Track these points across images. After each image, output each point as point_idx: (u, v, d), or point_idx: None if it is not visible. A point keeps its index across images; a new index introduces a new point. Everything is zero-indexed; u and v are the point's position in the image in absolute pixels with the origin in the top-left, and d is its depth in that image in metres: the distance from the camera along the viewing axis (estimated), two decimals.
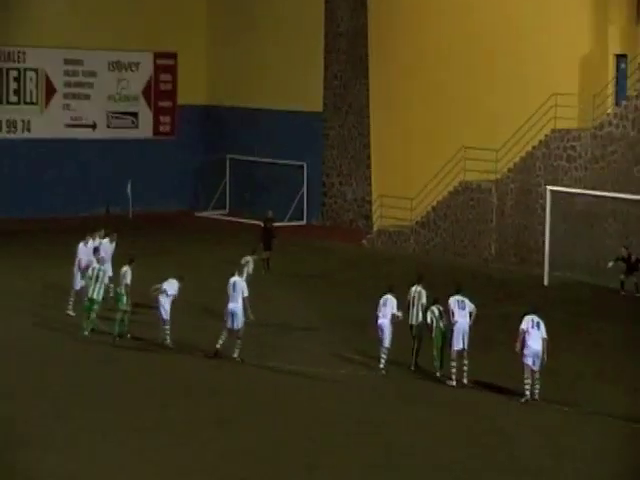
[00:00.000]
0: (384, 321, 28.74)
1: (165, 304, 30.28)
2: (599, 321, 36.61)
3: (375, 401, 27.97)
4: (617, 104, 44.60)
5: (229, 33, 59.24)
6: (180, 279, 31.13)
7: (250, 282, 32.05)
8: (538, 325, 27.17)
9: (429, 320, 28.92)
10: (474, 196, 47.03)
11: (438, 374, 28.20)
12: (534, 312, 27.46)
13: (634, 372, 30.51)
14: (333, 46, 55.68)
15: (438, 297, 29.43)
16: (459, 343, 28.16)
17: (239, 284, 29.66)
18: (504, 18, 49.43)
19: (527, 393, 26.77)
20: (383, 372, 28.81)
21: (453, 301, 28.72)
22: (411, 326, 29.48)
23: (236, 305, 29.09)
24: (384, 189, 52.03)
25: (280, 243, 43.92)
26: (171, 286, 30.72)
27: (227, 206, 56.83)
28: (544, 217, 41.99)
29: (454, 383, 27.94)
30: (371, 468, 22.10)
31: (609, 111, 44.28)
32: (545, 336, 26.94)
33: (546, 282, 40.99)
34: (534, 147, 45.25)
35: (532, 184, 44.64)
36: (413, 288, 29.74)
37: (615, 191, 41.21)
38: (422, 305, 29.58)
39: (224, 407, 26.12)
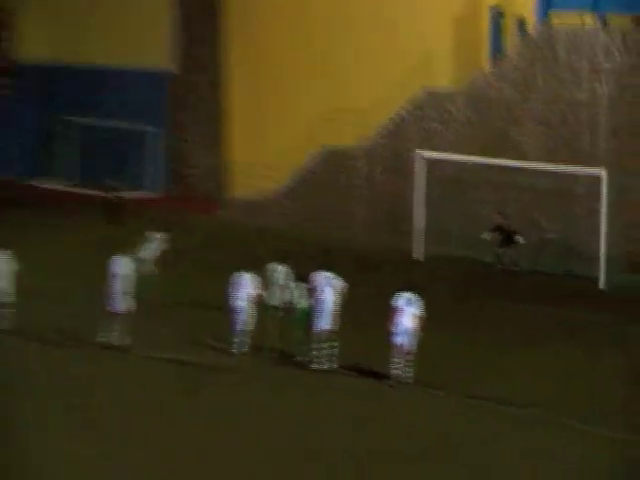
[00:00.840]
0: (239, 303, 27.08)
1: None
2: (476, 299, 35.28)
3: (239, 389, 25.87)
4: (493, 61, 43.82)
5: None
6: None
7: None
8: (410, 302, 25.65)
9: (291, 299, 27.77)
10: (341, 162, 45.21)
11: (300, 358, 26.98)
12: (408, 289, 26.17)
13: (512, 354, 29.60)
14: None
15: (302, 274, 28.04)
16: (325, 323, 26.40)
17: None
18: None
19: (397, 374, 25.51)
20: (236, 356, 27.09)
21: (320, 278, 27.14)
22: (272, 307, 27.83)
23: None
24: (242, 155, 50.00)
25: (126, 217, 43.40)
26: None
27: (64, 174, 53.46)
28: (418, 186, 40.91)
29: (319, 366, 26.60)
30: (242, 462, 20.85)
31: (484, 70, 43.51)
32: (419, 314, 25.60)
33: (420, 256, 39.80)
34: (405, 109, 43.71)
35: (404, 149, 42.54)
36: (273, 266, 28.27)
37: (492, 156, 39.51)
38: (284, 284, 28.30)
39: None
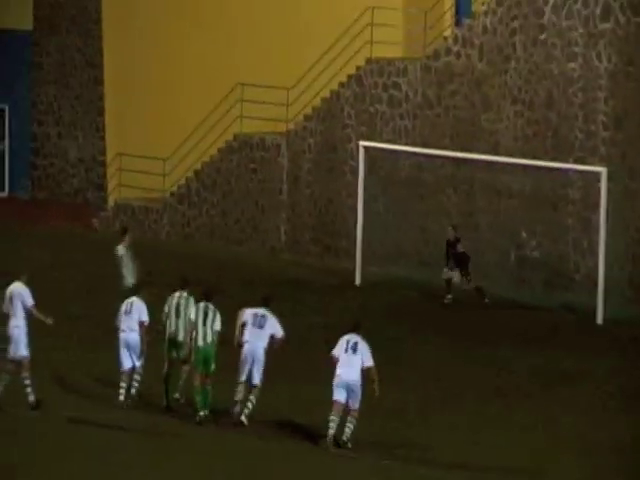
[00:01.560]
0: (131, 335, 21.91)
1: None
2: (426, 336, 29.75)
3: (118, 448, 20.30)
4: (457, 24, 36.79)
5: None
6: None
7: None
8: (355, 348, 20.66)
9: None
10: (256, 155, 38.66)
11: (202, 414, 21.24)
12: (354, 329, 20.83)
13: (461, 405, 23.75)
14: None
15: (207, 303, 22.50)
16: (244, 374, 21.17)
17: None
18: None
19: (330, 433, 20.58)
20: (125, 405, 21.27)
21: (249, 314, 21.44)
22: (174, 342, 22.11)
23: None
24: (124, 145, 42.80)
25: None
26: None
27: None
28: (356, 186, 33.79)
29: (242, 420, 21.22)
30: None
31: (446, 33, 36.39)
32: (369, 363, 20.61)
33: (358, 281, 33.33)
34: (341, 84, 36.59)
35: (339, 138, 36.27)
36: (177, 294, 22.46)
37: (456, 149, 33.24)
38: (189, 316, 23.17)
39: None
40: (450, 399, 24.99)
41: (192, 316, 22.34)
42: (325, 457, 21.63)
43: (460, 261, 32.91)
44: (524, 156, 33.34)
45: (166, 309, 22.71)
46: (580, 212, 33.31)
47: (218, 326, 21.09)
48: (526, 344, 29.68)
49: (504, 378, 26.94)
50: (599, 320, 30.80)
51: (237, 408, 21.46)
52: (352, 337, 21.07)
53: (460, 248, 33.07)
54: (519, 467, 20.73)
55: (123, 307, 22.30)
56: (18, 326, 21.66)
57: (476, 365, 28.43)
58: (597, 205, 31.80)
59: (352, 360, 20.97)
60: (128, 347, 21.99)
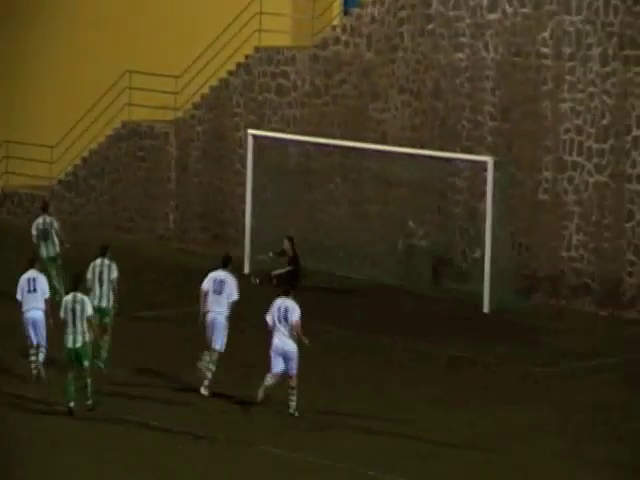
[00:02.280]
0: (36, 312, 21.89)
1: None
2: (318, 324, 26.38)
3: None
4: (346, 13, 36.17)
5: None
6: None
7: None
8: (285, 317, 21.25)
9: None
10: (144, 143, 37.67)
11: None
12: (285, 294, 21.45)
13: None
14: None
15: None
16: (209, 342, 22.35)
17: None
18: None
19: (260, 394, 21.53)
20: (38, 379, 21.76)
21: (210, 280, 21.97)
22: (99, 309, 22.20)
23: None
24: (11, 133, 40.36)
25: None
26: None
27: None
28: (244, 174, 33.13)
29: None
30: None
31: (335, 22, 35.92)
32: (294, 319, 21.18)
33: (246, 269, 32.13)
34: (230, 73, 35.79)
35: (227, 126, 35.72)
36: (98, 261, 23.12)
37: (345, 138, 32.69)
38: (112, 282, 23.73)
39: None
40: (343, 385, 24.31)
41: (114, 275, 23.08)
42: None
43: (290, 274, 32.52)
44: (412, 145, 32.76)
45: (89, 276, 22.37)
46: (468, 201, 32.71)
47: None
48: (414, 332, 28.86)
49: (391, 364, 26.69)
50: (485, 309, 30.31)
51: (202, 376, 21.52)
52: (282, 303, 21.08)
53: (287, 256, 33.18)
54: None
55: (25, 285, 21.82)
56: None
57: (362, 352, 28.33)
58: (484, 194, 31.73)
59: (284, 329, 21.33)
60: (34, 325, 21.58)
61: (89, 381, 21.16)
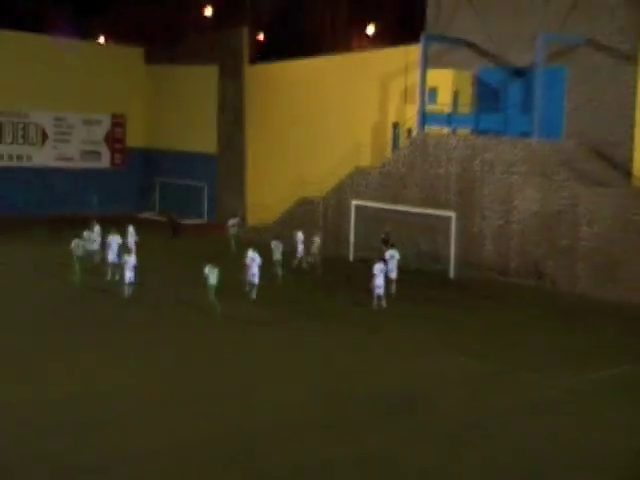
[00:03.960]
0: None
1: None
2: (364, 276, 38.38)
3: None
4: (393, 152, 52.10)
5: (159, 101, 64.85)
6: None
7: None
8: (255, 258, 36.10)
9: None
10: (309, 207, 53.75)
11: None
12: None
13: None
14: (222, 112, 61.69)
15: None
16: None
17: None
18: (329, 100, 57.44)
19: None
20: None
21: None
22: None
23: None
24: (254, 200, 60.33)
25: (183, 234, 52.53)
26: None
27: (156, 209, 62.31)
28: (350, 219, 48.58)
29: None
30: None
31: (388, 157, 51.67)
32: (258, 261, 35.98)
33: (350, 258, 46.52)
34: (345, 177, 52.21)
35: (343, 200, 51.03)
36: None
37: (392, 205, 47.88)
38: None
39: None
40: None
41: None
42: None
43: (386, 245, 42.45)
44: (421, 206, 46.41)
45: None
46: (445, 232, 45.33)
47: None
48: (404, 298, 38.88)
49: (371, 318, 35.83)
50: (447, 276, 44.25)
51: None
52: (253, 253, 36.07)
53: (386, 239, 43.78)
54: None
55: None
56: None
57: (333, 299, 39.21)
58: (450, 230, 44.71)
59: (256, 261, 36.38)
60: None
61: None
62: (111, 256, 39.33)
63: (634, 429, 23.31)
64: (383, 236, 45.51)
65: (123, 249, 39.38)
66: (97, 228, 43.36)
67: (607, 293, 41.44)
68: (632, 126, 45.16)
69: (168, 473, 18.51)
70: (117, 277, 38.17)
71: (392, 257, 38.85)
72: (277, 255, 40.50)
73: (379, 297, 36.22)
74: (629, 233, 41.80)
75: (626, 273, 41.52)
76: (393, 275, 38.52)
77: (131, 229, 43.73)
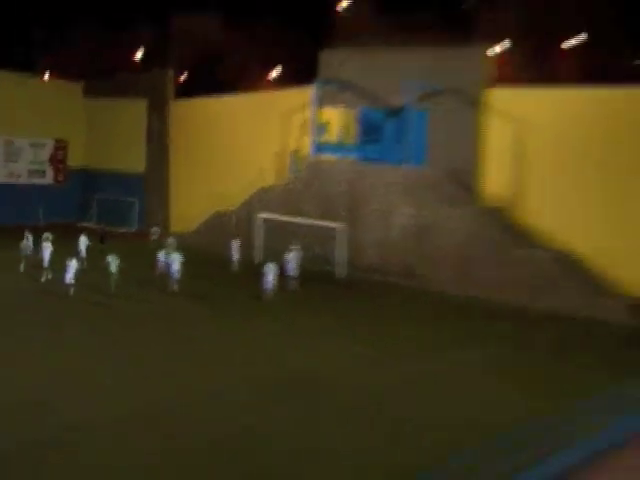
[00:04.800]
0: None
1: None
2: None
3: None
4: (292, 174, 51.82)
5: (96, 128, 63.29)
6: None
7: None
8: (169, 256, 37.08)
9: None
10: (223, 218, 52.68)
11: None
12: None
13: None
14: (150, 139, 60.83)
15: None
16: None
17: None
18: (240, 131, 56.51)
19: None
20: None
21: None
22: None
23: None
24: (178, 212, 59.33)
25: (111, 241, 49.05)
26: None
27: (93, 220, 60.59)
28: (258, 232, 47.68)
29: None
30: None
31: (289, 177, 51.71)
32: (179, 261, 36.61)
33: (258, 260, 44.12)
34: (253, 195, 52.00)
35: (252, 212, 50.00)
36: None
37: (293, 217, 47.25)
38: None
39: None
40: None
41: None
42: None
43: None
44: (321, 219, 45.16)
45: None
46: (334, 239, 44.92)
47: None
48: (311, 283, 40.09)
49: (270, 308, 36.02)
50: (337, 276, 44.33)
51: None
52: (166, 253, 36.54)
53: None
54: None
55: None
56: None
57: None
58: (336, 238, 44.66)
59: (169, 259, 36.56)
60: None
61: None
62: (45, 261, 38.86)
63: (489, 399, 24.11)
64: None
65: (53, 254, 38.92)
66: (30, 237, 42.81)
67: (464, 290, 42.38)
68: (480, 158, 46.64)
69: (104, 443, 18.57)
70: (50, 277, 37.97)
71: (292, 259, 40.35)
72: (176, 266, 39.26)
73: (267, 290, 37.33)
74: (479, 242, 43.09)
75: (478, 274, 42.70)
76: (292, 273, 40.02)
77: (83, 238, 43.47)
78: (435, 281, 43.93)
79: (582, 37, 48.09)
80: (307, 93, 51.14)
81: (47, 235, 39.99)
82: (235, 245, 45.00)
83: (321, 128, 50.56)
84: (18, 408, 20.79)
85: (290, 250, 41.78)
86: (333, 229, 45.75)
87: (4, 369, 24.42)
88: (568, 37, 50.33)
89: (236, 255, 44.37)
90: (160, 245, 43.03)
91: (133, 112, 59.49)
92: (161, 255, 39.12)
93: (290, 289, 39.32)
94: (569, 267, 42.02)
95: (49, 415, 20.52)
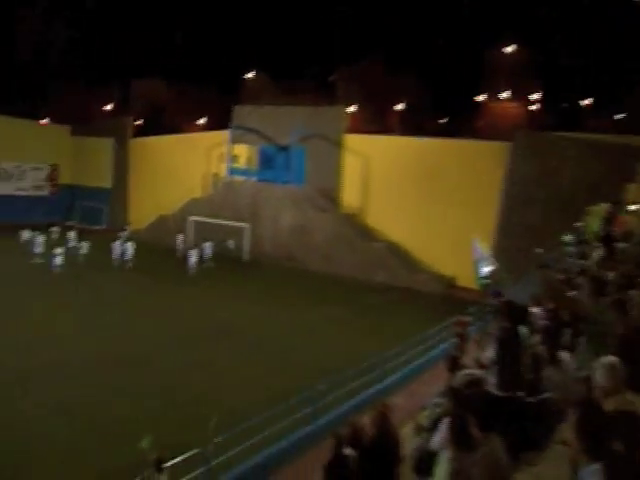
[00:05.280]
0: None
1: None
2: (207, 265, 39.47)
3: None
4: (212, 189, 49.39)
5: (78, 157, 58.72)
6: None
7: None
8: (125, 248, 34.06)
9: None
10: (164, 221, 49.92)
11: None
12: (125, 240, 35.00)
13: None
14: (116, 165, 57.21)
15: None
16: None
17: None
18: (178, 160, 53.32)
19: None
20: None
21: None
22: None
23: None
24: (134, 214, 55.70)
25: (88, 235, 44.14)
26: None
27: (76, 219, 55.39)
28: (189, 230, 44.77)
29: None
30: None
31: (211, 192, 49.11)
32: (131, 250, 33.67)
33: (180, 255, 40.20)
34: (186, 203, 49.11)
35: (186, 215, 46.92)
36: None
37: (214, 219, 44.43)
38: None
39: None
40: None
41: None
42: None
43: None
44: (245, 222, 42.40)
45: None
46: (244, 235, 44.55)
47: None
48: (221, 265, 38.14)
49: (196, 280, 34.71)
50: (244, 260, 42.38)
51: None
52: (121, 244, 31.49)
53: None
54: None
55: None
56: None
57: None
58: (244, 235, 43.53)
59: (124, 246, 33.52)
60: None
61: None
62: (37, 248, 36.94)
63: (342, 341, 24.57)
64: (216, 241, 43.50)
65: (47, 244, 37.10)
66: (31, 232, 41.06)
67: (329, 269, 41.66)
68: (339, 180, 46.10)
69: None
70: (41, 261, 35.65)
71: (207, 247, 39.64)
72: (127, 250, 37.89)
73: (191, 268, 36.51)
74: (339, 237, 42.58)
75: (338, 258, 42.08)
76: (207, 257, 38.99)
77: (72, 234, 41.48)
78: (309, 263, 43.25)
79: (404, 103, 48.62)
80: (224, 135, 49.94)
81: (37, 232, 38.63)
82: (180, 238, 43.21)
83: (233, 158, 49.33)
84: None
85: (206, 241, 40.90)
86: (241, 228, 44.49)
87: None
88: (397, 102, 52.15)
89: (181, 245, 42.41)
90: (120, 237, 40.90)
91: (104, 147, 57.22)
92: (117, 243, 37.44)
93: (205, 267, 38.26)
94: (396, 253, 41.84)
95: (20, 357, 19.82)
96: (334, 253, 42.36)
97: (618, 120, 49.71)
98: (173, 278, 35.25)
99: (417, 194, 41.68)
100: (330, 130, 46.00)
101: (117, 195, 57.25)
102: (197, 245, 39.73)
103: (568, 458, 4.18)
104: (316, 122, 46.19)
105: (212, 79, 59.25)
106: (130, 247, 36.92)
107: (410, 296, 35.17)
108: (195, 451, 12.02)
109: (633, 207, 17.31)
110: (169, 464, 11.13)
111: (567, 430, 5.42)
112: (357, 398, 17.02)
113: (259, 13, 58.53)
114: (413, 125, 47.64)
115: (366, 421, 7.45)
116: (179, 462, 11.66)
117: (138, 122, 59.04)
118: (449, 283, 38.62)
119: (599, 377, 4.71)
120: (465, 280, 35.93)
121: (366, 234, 42.96)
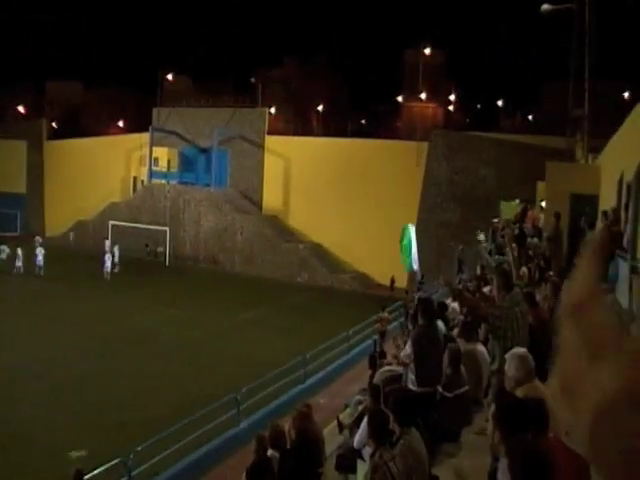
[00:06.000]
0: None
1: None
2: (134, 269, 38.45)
3: None
4: (132, 193, 49.70)
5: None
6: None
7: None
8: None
9: None
10: (84, 226, 49.23)
11: None
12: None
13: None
14: (30, 169, 55.69)
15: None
16: None
17: None
18: (96, 163, 51.88)
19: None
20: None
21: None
22: None
23: None
24: (49, 223, 54.75)
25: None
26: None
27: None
28: (108, 234, 43.60)
29: None
30: None
31: (132, 195, 49.54)
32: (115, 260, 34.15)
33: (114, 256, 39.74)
34: (106, 208, 48.44)
35: (106, 220, 46.25)
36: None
37: (137, 222, 44.17)
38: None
39: None
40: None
41: None
42: None
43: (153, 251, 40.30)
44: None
45: None
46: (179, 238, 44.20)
47: None
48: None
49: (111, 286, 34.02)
50: (166, 264, 42.38)
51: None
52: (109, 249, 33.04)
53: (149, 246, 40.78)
54: None
55: None
56: None
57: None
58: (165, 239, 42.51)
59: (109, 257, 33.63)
60: None
61: None
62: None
63: (262, 342, 24.59)
64: (149, 244, 44.55)
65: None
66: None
67: (250, 271, 41.88)
68: (261, 182, 47.14)
69: None
70: None
71: (116, 252, 38.58)
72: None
73: (107, 273, 36.15)
74: (261, 238, 42.99)
75: (260, 259, 42.59)
76: (116, 261, 38.23)
77: (39, 238, 39.75)
78: (231, 266, 43.34)
79: (323, 105, 49.43)
80: (143, 137, 49.78)
81: None
82: (107, 243, 40.87)
83: (154, 161, 49.01)
84: None
85: (115, 246, 40.11)
86: (161, 231, 44.20)
87: None
88: (317, 104, 52.75)
89: (115, 250, 39.86)
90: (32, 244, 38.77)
91: (17, 149, 54.95)
92: (19, 250, 35.92)
93: (115, 272, 37.52)
94: (317, 254, 42.45)
95: None
96: (256, 255, 42.58)
97: (531, 121, 52.35)
98: (90, 284, 34.65)
99: (338, 195, 42.18)
100: (251, 132, 46.67)
101: (32, 200, 55.66)
102: (111, 250, 39.04)
103: (489, 448, 4.26)
104: (237, 124, 46.74)
105: (131, 81, 61.56)
106: (40, 253, 35.98)
107: (332, 295, 35.45)
108: (117, 460, 11.76)
109: (543, 204, 18.11)
110: (89, 475, 10.94)
111: (484, 421, 5.69)
112: (280, 399, 16.93)
113: (179, 14, 63.68)
114: (334, 126, 48.26)
115: (288, 422, 7.36)
116: (101, 472, 11.45)
117: (54, 124, 58.76)
118: (370, 282, 39.79)
119: (510, 368, 4.89)
120: (385, 279, 36.93)
121: (288, 235, 43.87)
